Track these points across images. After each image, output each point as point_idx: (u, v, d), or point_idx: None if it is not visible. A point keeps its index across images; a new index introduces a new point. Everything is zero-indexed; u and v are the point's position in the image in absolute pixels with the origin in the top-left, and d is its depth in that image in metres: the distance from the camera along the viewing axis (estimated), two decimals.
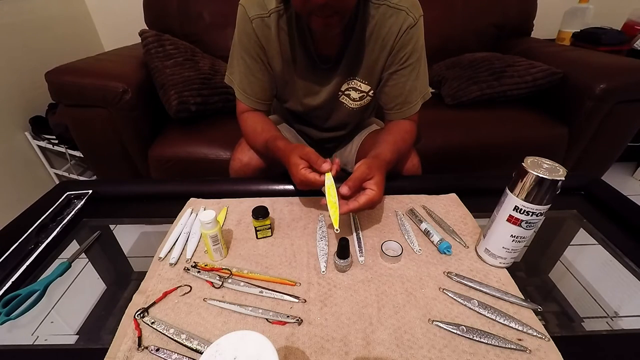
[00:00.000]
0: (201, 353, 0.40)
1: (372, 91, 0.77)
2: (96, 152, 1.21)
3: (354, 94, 0.77)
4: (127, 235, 0.69)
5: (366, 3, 0.66)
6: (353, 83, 0.75)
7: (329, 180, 0.56)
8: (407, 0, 0.66)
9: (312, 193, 0.68)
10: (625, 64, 1.14)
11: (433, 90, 0.79)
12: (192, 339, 0.43)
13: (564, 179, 0.43)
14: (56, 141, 1.37)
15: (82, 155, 1.29)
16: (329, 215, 0.54)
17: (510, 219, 0.48)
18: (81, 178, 1.57)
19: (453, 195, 0.71)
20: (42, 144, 1.38)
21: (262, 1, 0.67)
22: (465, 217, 0.65)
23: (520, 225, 0.48)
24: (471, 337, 0.43)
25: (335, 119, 0.85)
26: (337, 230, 0.53)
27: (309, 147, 0.61)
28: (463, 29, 1.49)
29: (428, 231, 0.60)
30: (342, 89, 0.77)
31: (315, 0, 0.52)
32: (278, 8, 0.66)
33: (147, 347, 0.42)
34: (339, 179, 0.57)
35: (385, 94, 0.75)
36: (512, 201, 0.47)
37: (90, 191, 0.73)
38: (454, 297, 0.49)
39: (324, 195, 0.57)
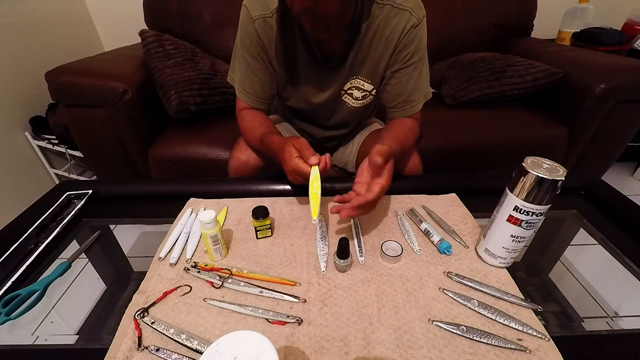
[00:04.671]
0: (201, 353, 0.40)
1: (374, 90, 0.78)
2: (96, 152, 1.21)
3: (356, 93, 0.77)
4: (127, 235, 0.69)
5: (370, 3, 0.66)
6: (356, 82, 0.76)
7: (314, 173, 0.56)
8: (410, 0, 0.66)
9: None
10: (625, 64, 1.14)
11: (433, 90, 0.79)
12: (192, 339, 0.43)
13: (564, 179, 0.43)
14: (56, 141, 1.37)
15: (82, 155, 1.29)
16: (310, 207, 0.54)
17: (510, 219, 0.48)
18: (81, 178, 1.57)
19: (453, 195, 0.71)
20: (42, 144, 1.38)
21: (265, 1, 0.67)
22: (465, 217, 0.65)
23: (520, 225, 0.48)
24: (471, 337, 0.43)
25: (337, 117, 0.85)
26: (315, 221, 0.53)
27: (303, 139, 0.61)
28: (463, 29, 1.49)
29: (428, 231, 0.60)
30: (345, 87, 0.77)
31: (296, 6, 0.53)
32: (281, 8, 0.67)
33: (147, 347, 0.42)
34: (339, 178, 0.58)
35: (387, 92, 0.75)
36: (512, 201, 0.47)
37: (90, 191, 0.73)
38: (454, 297, 0.49)
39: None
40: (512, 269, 0.54)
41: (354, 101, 0.79)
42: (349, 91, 0.77)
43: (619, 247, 0.59)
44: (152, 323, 0.45)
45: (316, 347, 0.42)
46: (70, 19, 1.56)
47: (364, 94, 0.78)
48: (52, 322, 0.51)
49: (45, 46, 1.41)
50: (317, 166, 0.56)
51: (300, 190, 0.71)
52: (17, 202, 1.26)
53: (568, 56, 1.26)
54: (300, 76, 0.75)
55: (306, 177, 0.57)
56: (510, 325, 0.44)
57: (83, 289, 0.58)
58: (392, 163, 0.59)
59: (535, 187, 0.44)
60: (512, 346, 0.42)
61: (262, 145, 0.71)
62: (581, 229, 0.66)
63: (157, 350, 0.42)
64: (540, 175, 0.44)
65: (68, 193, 0.72)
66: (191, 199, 0.71)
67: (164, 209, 0.69)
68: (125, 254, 0.67)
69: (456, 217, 0.65)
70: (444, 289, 0.50)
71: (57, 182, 1.49)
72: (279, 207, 0.68)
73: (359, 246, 0.58)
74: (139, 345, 0.43)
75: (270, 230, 0.60)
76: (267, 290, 0.50)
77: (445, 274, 0.53)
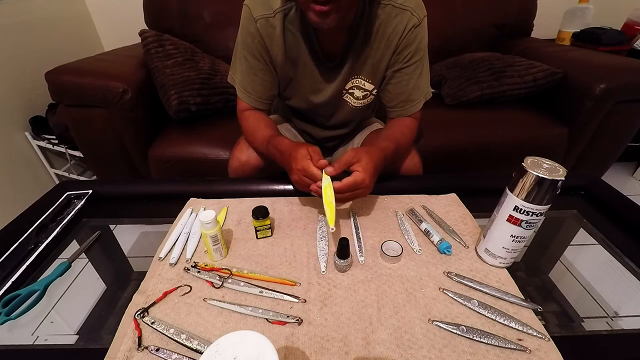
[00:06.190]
0: (201, 353, 0.40)
1: (375, 90, 0.78)
2: (96, 152, 1.21)
3: (357, 92, 0.78)
4: (127, 235, 0.69)
5: (372, 3, 0.66)
6: (357, 81, 0.76)
7: (326, 180, 0.56)
8: (411, 0, 0.67)
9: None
10: (625, 64, 1.14)
11: (433, 90, 0.79)
12: (192, 339, 0.43)
13: (564, 179, 0.43)
14: (56, 141, 1.37)
15: (82, 155, 1.29)
16: (325, 215, 0.54)
17: (510, 219, 0.48)
18: (81, 178, 1.57)
19: (453, 195, 0.71)
20: (42, 144, 1.38)
21: (267, 1, 0.67)
22: (465, 217, 0.65)
23: (520, 225, 0.48)
24: (471, 337, 0.43)
25: (338, 117, 0.85)
26: (332, 229, 0.53)
27: (317, 147, 0.62)
28: (463, 29, 1.49)
29: (428, 231, 0.60)
30: (347, 87, 0.77)
31: None
32: (283, 7, 0.67)
33: (147, 347, 0.42)
34: (336, 178, 0.58)
35: (388, 92, 0.76)
36: (512, 201, 0.47)
37: (90, 191, 0.73)
38: (454, 297, 0.49)
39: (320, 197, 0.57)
40: (512, 269, 0.54)
41: (355, 101, 0.79)
42: (350, 90, 0.78)
43: (619, 247, 0.59)
44: (152, 323, 0.45)
45: (316, 347, 0.42)
46: (70, 19, 1.56)
47: (365, 93, 0.78)
48: (52, 322, 0.51)
49: (45, 46, 1.41)
50: (329, 176, 0.57)
51: (303, 192, 0.71)
52: (17, 202, 1.26)
53: (568, 56, 1.26)
54: (302, 76, 0.75)
55: (313, 179, 0.58)
56: (510, 325, 0.44)
57: (83, 289, 0.58)
58: (373, 160, 0.59)
59: (535, 187, 0.44)
60: (512, 346, 0.42)
61: (268, 147, 0.71)
62: (581, 229, 0.66)
63: (157, 350, 0.42)
64: (540, 175, 0.44)
65: (68, 193, 0.72)
66: (191, 199, 0.71)
67: (164, 209, 0.69)
68: (125, 254, 0.67)
69: (456, 217, 0.65)
70: (444, 289, 0.50)
71: (57, 182, 1.49)
72: (279, 207, 0.68)
73: (359, 246, 0.58)
74: (139, 345, 0.43)
75: (270, 230, 0.60)
76: (267, 290, 0.50)
77: (445, 274, 0.53)
